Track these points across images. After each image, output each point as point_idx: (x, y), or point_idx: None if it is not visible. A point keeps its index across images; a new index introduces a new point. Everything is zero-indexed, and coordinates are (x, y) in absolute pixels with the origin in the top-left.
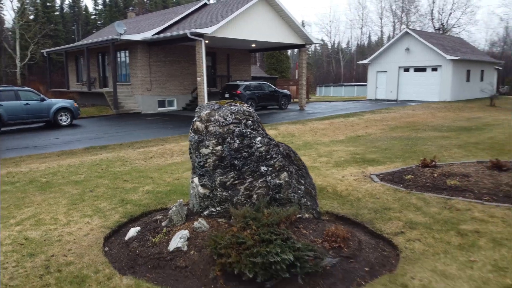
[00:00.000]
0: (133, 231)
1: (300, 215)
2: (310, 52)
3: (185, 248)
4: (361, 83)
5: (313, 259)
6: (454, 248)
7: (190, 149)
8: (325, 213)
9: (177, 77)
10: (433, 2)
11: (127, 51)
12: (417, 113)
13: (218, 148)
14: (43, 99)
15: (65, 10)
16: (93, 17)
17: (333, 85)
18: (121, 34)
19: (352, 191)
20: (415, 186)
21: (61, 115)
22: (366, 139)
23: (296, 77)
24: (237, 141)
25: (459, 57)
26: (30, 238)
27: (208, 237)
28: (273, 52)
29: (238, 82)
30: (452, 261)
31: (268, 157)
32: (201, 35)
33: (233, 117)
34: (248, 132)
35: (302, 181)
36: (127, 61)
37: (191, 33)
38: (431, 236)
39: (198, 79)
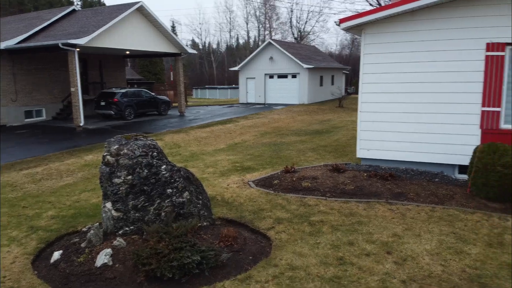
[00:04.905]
0: (57, 254)
1: (200, 224)
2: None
3: (111, 263)
4: (234, 85)
5: (214, 256)
6: (307, 235)
7: (101, 178)
8: (218, 219)
9: (45, 86)
10: (291, 11)
11: None
12: (281, 118)
13: (129, 177)
14: None
15: None
16: None
17: (208, 88)
18: None
19: (236, 197)
20: (280, 189)
21: None
22: (243, 146)
23: (171, 79)
24: (146, 171)
25: (313, 66)
26: None
27: (128, 251)
28: None
29: (114, 90)
30: (305, 244)
31: (172, 180)
32: (74, 45)
33: (141, 150)
34: (155, 162)
35: (200, 197)
36: None
37: (63, 44)
38: (292, 227)
39: (72, 89)
